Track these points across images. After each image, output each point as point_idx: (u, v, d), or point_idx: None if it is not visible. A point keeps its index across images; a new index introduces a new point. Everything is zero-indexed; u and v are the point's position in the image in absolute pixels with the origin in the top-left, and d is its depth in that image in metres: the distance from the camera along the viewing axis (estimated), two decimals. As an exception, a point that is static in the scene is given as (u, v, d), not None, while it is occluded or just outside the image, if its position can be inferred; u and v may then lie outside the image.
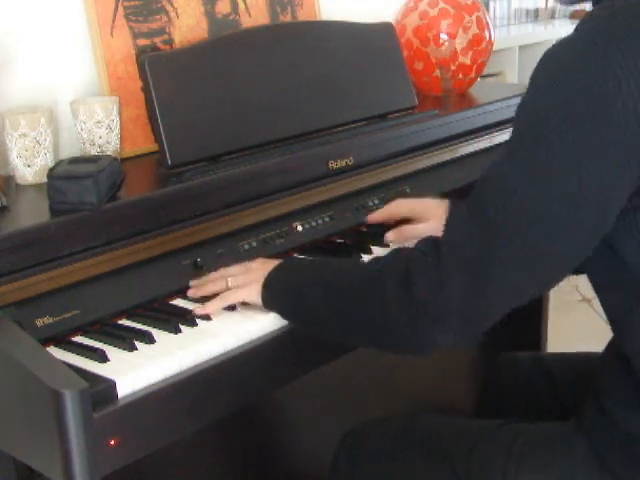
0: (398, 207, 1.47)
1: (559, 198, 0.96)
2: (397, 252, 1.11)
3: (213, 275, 1.26)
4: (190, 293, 1.25)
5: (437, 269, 1.01)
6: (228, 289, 1.22)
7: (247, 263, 1.26)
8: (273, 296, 1.18)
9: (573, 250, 1.00)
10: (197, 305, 1.23)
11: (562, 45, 1.00)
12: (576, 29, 1.02)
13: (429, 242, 1.05)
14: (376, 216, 1.48)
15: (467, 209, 1.03)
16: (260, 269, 1.22)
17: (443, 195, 1.71)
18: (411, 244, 1.24)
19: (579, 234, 0.98)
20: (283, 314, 1.19)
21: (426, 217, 1.42)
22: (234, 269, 1.26)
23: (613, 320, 1.13)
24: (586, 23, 1.00)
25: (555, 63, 0.98)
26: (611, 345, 1.17)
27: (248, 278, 1.21)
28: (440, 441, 1.27)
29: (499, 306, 1.02)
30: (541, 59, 1.01)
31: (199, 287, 1.25)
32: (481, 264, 0.99)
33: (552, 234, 0.97)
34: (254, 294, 1.20)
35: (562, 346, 1.78)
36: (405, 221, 1.46)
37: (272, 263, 1.22)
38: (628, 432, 1.09)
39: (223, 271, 1.26)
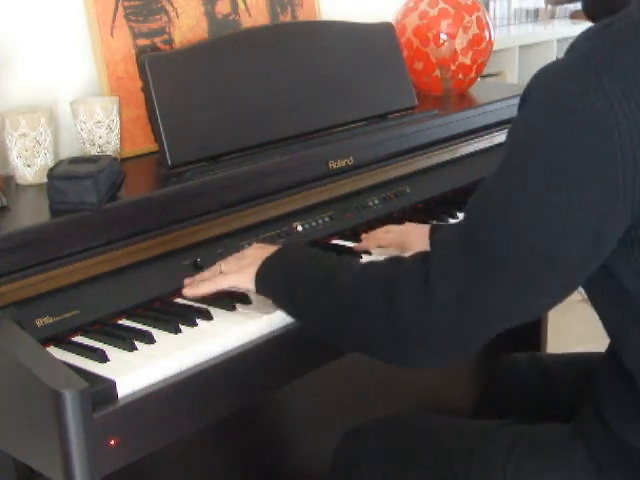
0: (386, 241, 1.46)
1: (551, 226, 0.93)
2: (391, 264, 1.07)
3: (208, 271, 1.25)
4: (185, 292, 1.23)
5: (423, 292, 0.99)
6: (221, 273, 1.21)
7: (242, 251, 1.25)
8: (266, 284, 1.17)
9: (562, 279, 0.98)
10: (199, 304, 1.23)
11: (559, 66, 0.96)
12: (572, 48, 0.98)
13: (419, 261, 1.03)
14: (362, 246, 1.46)
15: (457, 231, 1.01)
16: (254, 255, 1.20)
17: (442, 195, 1.72)
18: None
19: (569, 263, 0.96)
20: (275, 303, 1.17)
21: (408, 247, 1.42)
22: (229, 258, 1.25)
23: (611, 335, 1.13)
24: (587, 41, 0.97)
25: (552, 88, 0.95)
26: (610, 355, 1.16)
27: (241, 263, 1.20)
28: (440, 441, 1.27)
29: (484, 332, 1.01)
30: (537, 80, 0.98)
31: (193, 286, 1.23)
32: (467, 289, 0.97)
33: (541, 262, 0.95)
34: (247, 280, 1.18)
35: (562, 346, 1.78)
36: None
37: (267, 249, 1.20)
38: (627, 443, 1.09)
39: (219, 262, 1.25)
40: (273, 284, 1.17)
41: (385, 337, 1.03)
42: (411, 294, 1.00)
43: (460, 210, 1.65)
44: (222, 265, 1.22)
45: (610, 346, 1.17)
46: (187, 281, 1.26)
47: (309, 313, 1.13)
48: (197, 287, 1.21)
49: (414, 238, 1.44)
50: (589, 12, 1.07)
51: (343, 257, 1.19)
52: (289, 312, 1.17)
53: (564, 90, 0.93)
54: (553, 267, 0.96)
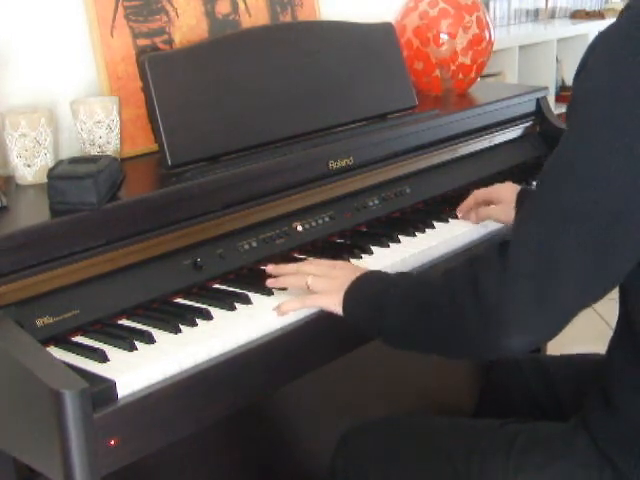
0: (479, 195, 1.58)
1: (620, 179, 0.95)
2: (472, 258, 1.09)
3: (292, 267, 1.27)
4: (269, 283, 1.26)
5: (503, 269, 1.00)
6: (307, 288, 1.22)
7: (329, 265, 1.26)
8: (353, 306, 1.18)
9: (637, 235, 0.98)
10: (199, 304, 1.24)
11: (615, 28, 1.00)
12: (628, 8, 1.01)
13: (496, 245, 1.04)
14: (464, 208, 1.59)
15: (531, 202, 1.03)
16: (342, 277, 1.21)
17: (442, 195, 1.72)
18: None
19: (637, 217, 0.97)
20: (363, 324, 1.17)
21: (499, 200, 1.54)
22: (314, 268, 1.25)
23: (634, 309, 1.12)
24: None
25: (611, 48, 0.99)
26: (624, 335, 1.16)
27: (329, 285, 1.21)
28: (440, 441, 1.27)
29: (568, 302, 1.00)
30: (594, 45, 1.01)
31: (277, 279, 1.26)
32: (546, 256, 0.98)
33: (615, 216, 0.96)
34: (335, 303, 1.19)
35: (561, 347, 1.78)
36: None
37: (354, 272, 1.21)
38: (635, 426, 1.10)
39: (303, 266, 1.27)
40: (360, 305, 1.17)
41: (474, 321, 1.02)
42: (491, 274, 1.01)
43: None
44: (309, 280, 1.22)
45: (622, 325, 1.17)
46: (269, 269, 1.29)
47: (395, 323, 1.12)
48: (289, 303, 1.21)
49: (504, 194, 1.53)
50: None
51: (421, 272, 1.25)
52: (375, 330, 1.16)
53: (622, 46, 0.97)
54: (627, 220, 0.97)
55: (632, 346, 1.12)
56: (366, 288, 1.18)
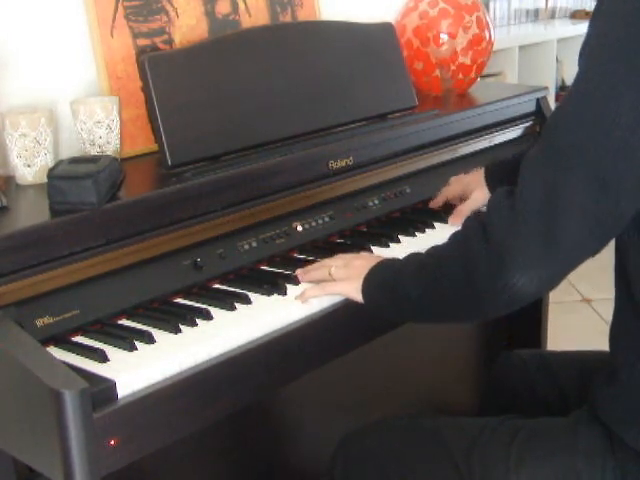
0: (450, 191, 1.63)
1: (627, 117, 0.97)
2: (476, 214, 1.12)
3: (317, 264, 1.33)
4: (299, 277, 1.32)
5: (510, 207, 1.03)
6: (330, 277, 1.27)
7: (350, 257, 1.32)
8: (372, 290, 1.22)
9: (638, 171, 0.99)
10: (199, 304, 1.24)
11: None
12: None
13: (502, 190, 1.07)
14: (436, 202, 1.64)
15: (536, 147, 1.05)
16: (361, 266, 1.26)
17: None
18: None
19: None
20: (381, 306, 1.22)
21: (472, 189, 1.57)
22: (336, 260, 1.31)
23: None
24: None
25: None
26: (626, 321, 1.17)
27: (350, 273, 1.26)
28: (440, 440, 1.27)
29: (573, 242, 1.01)
30: None
31: (305, 273, 1.32)
32: (551, 193, 0.99)
33: (618, 157, 0.98)
34: (353, 290, 1.24)
35: (562, 346, 1.78)
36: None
37: (373, 260, 1.26)
38: None
39: (326, 261, 1.32)
40: (377, 288, 1.22)
41: (483, 261, 1.04)
42: (498, 210, 1.04)
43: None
44: (332, 270, 1.28)
45: (621, 313, 1.17)
46: (299, 271, 1.34)
47: (411, 297, 1.15)
48: (311, 290, 1.27)
49: (473, 182, 1.57)
50: None
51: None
52: (392, 310, 1.22)
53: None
54: (631, 160, 0.98)
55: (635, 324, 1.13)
56: (382, 272, 1.23)
